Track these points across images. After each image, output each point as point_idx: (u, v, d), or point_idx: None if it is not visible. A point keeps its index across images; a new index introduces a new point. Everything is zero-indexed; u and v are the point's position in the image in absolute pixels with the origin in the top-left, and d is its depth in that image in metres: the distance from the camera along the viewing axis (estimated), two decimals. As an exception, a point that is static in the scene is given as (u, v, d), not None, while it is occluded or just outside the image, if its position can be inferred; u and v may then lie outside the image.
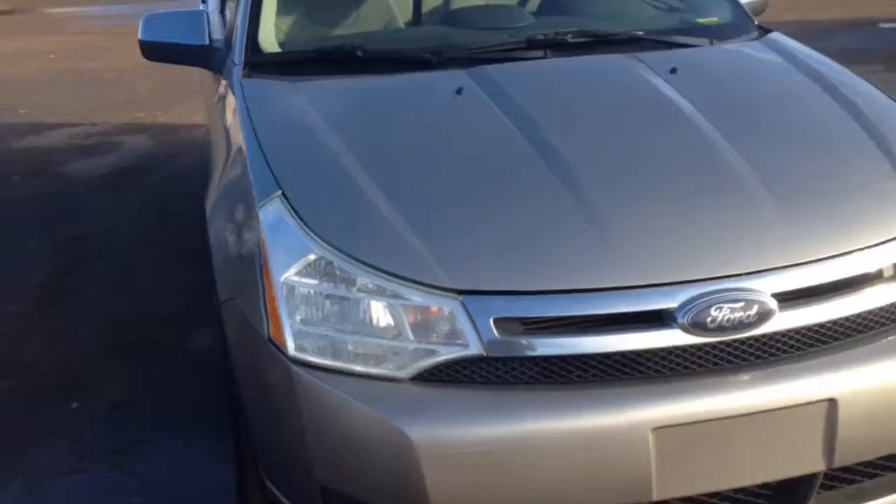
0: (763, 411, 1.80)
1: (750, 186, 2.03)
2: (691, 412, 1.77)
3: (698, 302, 1.79)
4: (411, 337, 1.80)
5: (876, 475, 1.97)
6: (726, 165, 2.10)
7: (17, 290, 3.87)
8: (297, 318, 1.85)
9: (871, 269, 1.93)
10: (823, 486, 1.93)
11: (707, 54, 2.75)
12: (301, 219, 1.94)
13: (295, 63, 2.71)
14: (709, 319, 1.78)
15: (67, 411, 2.97)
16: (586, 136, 2.22)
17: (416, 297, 1.81)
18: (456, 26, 2.96)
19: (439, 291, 1.80)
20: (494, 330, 1.78)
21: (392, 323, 1.81)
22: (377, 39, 2.92)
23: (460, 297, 1.79)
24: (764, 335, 1.84)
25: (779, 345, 1.85)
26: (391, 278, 1.82)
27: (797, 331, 1.86)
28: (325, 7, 3.15)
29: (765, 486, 1.89)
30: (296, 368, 1.83)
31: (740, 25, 2.97)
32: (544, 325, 1.80)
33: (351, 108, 2.46)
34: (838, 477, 1.94)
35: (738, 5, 3.05)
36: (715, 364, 1.82)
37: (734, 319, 1.79)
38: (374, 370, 1.81)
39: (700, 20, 3.00)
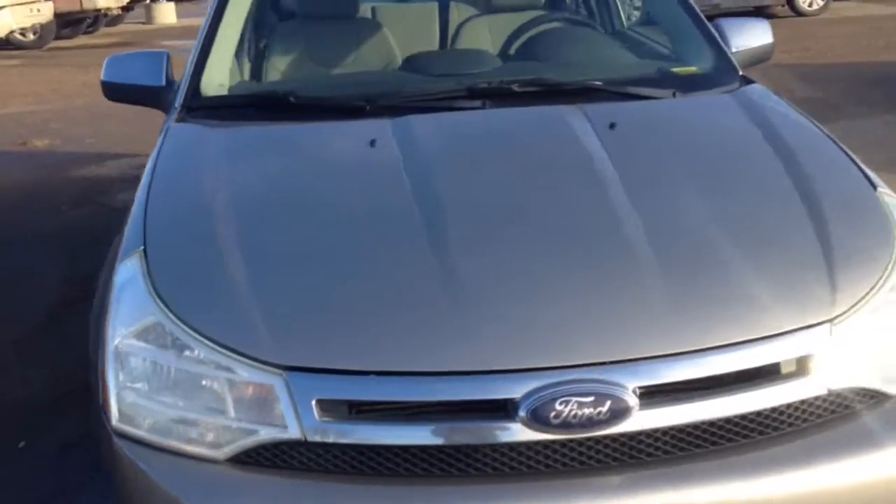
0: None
1: (636, 265, 1.82)
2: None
3: (543, 393, 1.59)
4: (233, 414, 1.67)
5: None
6: (618, 242, 1.88)
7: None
8: (126, 385, 1.74)
9: (761, 364, 1.69)
10: None
11: (661, 108, 2.53)
12: (151, 279, 1.84)
13: (231, 108, 2.64)
14: (552, 414, 1.58)
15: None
16: (478, 202, 2.04)
17: (243, 371, 1.67)
18: (413, 71, 2.83)
19: (263, 366, 1.66)
20: (316, 412, 1.62)
21: (215, 398, 1.68)
22: (317, 85, 2.83)
23: (284, 374, 1.64)
24: (623, 434, 1.62)
25: (641, 447, 1.63)
26: (220, 349, 1.69)
27: (664, 432, 1.64)
28: (287, 51, 3.07)
29: None
30: (116, 440, 1.72)
31: (719, 76, 2.74)
32: (373, 409, 1.63)
33: (256, 158, 2.35)
34: None
35: (723, 55, 2.81)
36: (563, 465, 1.62)
37: (582, 416, 1.58)
38: (191, 448, 1.68)
39: (676, 70, 2.78)
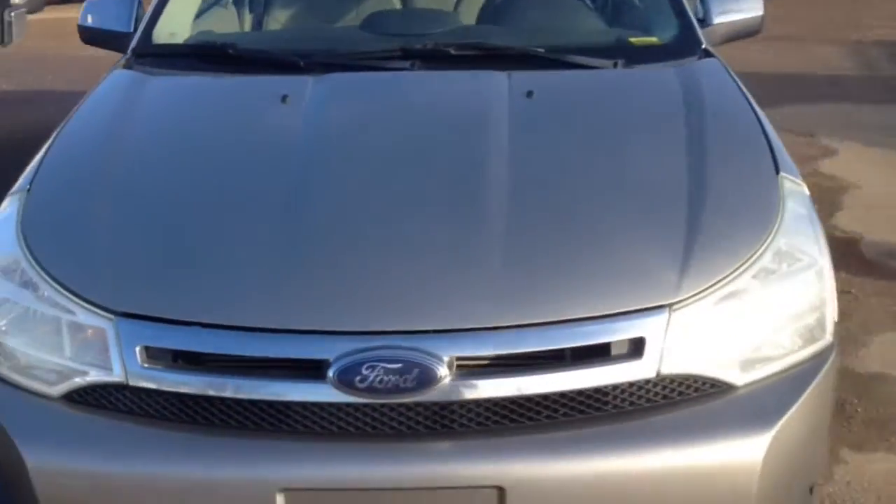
0: (416, 489, 1.59)
1: (484, 235, 1.80)
2: (329, 478, 1.59)
3: (353, 357, 1.60)
4: (68, 354, 1.73)
5: None
6: (474, 212, 1.86)
7: None
8: None
9: (587, 343, 1.65)
10: None
11: (591, 78, 2.46)
12: (21, 218, 1.91)
13: (176, 57, 2.68)
14: (358, 378, 1.59)
15: None
16: (351, 166, 2.03)
17: (80, 313, 1.72)
18: (368, 29, 2.81)
19: (97, 310, 1.71)
20: (140, 358, 1.67)
21: (56, 337, 1.74)
22: (259, 39, 2.85)
23: (114, 319, 1.69)
24: (435, 403, 1.61)
25: (454, 417, 1.62)
26: (63, 291, 1.75)
27: (479, 404, 1.63)
28: (249, 6, 3.09)
29: None
30: None
31: (677, 48, 2.64)
32: (195, 360, 1.67)
33: (172, 107, 2.41)
34: None
35: (687, 27, 2.71)
36: (373, 429, 1.62)
37: (388, 382, 1.58)
38: (30, 383, 1.75)
39: (634, 40, 2.70)
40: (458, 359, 1.62)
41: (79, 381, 1.71)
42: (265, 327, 1.65)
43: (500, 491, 1.58)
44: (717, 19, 2.86)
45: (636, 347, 1.66)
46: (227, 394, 1.64)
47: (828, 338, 1.83)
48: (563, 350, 1.66)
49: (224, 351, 1.65)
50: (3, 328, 1.79)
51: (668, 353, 1.67)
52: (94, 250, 1.81)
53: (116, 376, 1.67)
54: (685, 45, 2.66)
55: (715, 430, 1.66)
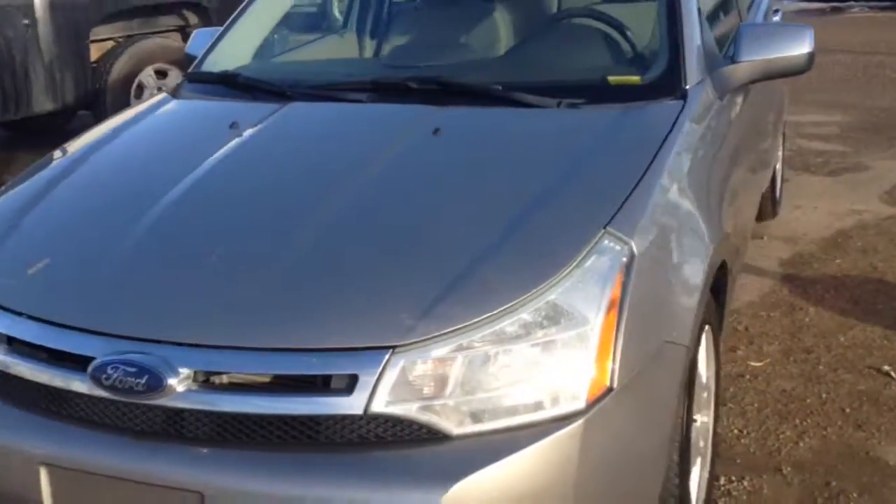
0: (135, 482, 1.79)
1: (272, 262, 1.94)
2: (76, 459, 1.83)
3: (106, 357, 1.83)
4: None
5: None
6: (283, 239, 2.01)
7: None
8: None
9: (302, 373, 1.75)
10: None
11: (517, 117, 2.47)
12: None
13: (206, 82, 3.03)
14: (104, 376, 1.81)
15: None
16: (226, 190, 2.27)
17: None
18: (374, 61, 3.02)
19: None
20: None
21: None
22: (270, 70, 3.10)
23: None
24: (168, 409, 1.80)
25: (184, 423, 1.80)
26: None
27: (204, 414, 1.79)
28: (294, 39, 3.39)
29: None
30: None
31: (655, 88, 2.56)
32: (9, 342, 1.97)
33: (154, 127, 2.76)
34: None
35: (673, 67, 2.59)
36: (115, 421, 1.84)
37: (125, 383, 1.80)
38: None
39: (612, 79, 2.63)
40: (196, 371, 1.79)
41: None
42: (53, 321, 1.92)
43: (201, 496, 1.73)
44: (747, 57, 2.71)
45: (350, 384, 1.73)
46: (22, 374, 1.93)
47: (578, 405, 1.75)
48: (284, 376, 1.77)
49: (29, 339, 1.95)
50: None
51: (382, 392, 1.72)
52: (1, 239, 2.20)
53: None
54: (664, 85, 2.56)
55: (399, 476, 1.68)
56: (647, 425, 1.90)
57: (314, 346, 1.76)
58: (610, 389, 1.79)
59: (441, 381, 1.73)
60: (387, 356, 1.72)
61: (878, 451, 2.75)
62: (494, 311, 1.77)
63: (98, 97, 6.09)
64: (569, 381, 1.76)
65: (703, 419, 2.39)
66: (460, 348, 1.74)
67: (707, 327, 2.32)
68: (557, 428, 1.73)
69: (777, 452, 2.76)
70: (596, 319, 1.79)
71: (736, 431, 2.88)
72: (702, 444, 2.37)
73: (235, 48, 3.21)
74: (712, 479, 2.51)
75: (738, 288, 3.78)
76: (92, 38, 6.11)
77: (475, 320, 1.75)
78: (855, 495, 2.55)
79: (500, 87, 2.54)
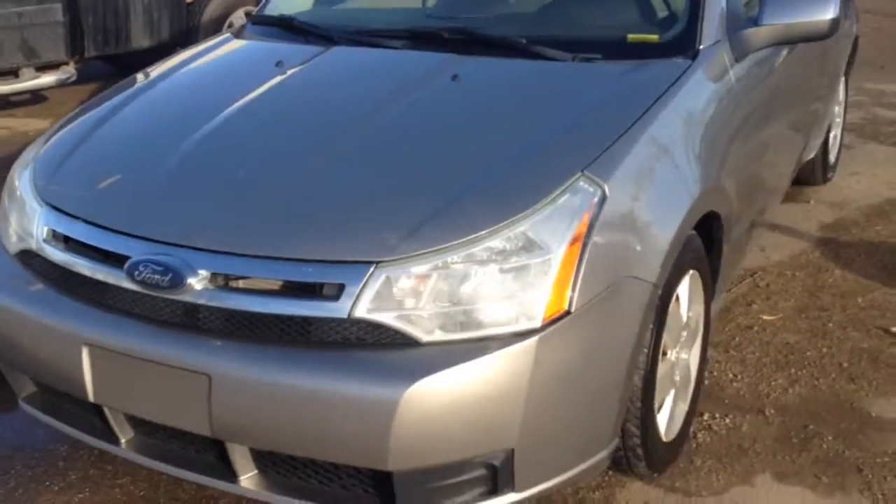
0: (156, 363, 2.10)
1: (289, 184, 2.24)
2: (112, 342, 2.16)
3: (140, 256, 2.15)
4: (19, 230, 2.45)
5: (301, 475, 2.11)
6: (304, 166, 2.30)
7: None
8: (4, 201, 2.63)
9: (301, 279, 2.04)
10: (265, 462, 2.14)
11: (531, 68, 2.67)
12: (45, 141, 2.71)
13: (264, 24, 3.32)
14: (136, 272, 2.13)
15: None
16: (267, 120, 2.56)
17: (34, 202, 2.45)
18: (429, 12, 3.26)
19: (39, 200, 2.43)
20: (44, 234, 2.35)
21: (25, 218, 2.45)
22: (329, 15, 3.36)
23: (42, 206, 2.41)
24: (187, 303, 2.11)
25: (199, 315, 2.11)
26: (34, 187, 2.50)
27: (217, 310, 2.09)
28: None
29: (203, 439, 2.16)
30: None
31: (669, 47, 2.74)
32: (66, 240, 2.32)
33: (212, 63, 3.06)
34: (272, 461, 2.13)
35: (690, 27, 2.77)
36: (145, 311, 2.16)
37: (151, 279, 2.11)
38: (7, 245, 2.53)
39: (632, 37, 2.80)
40: (213, 272, 2.09)
41: (20, 246, 2.45)
42: (99, 224, 2.25)
43: (209, 378, 2.04)
44: (769, 20, 2.84)
45: (338, 291, 2.00)
46: (76, 269, 2.27)
47: (534, 324, 1.99)
48: (283, 281, 2.05)
49: (74, 236, 2.28)
50: (7, 213, 2.56)
51: (364, 301, 1.98)
52: (59, 159, 2.54)
53: (33, 246, 2.39)
54: (679, 43, 2.73)
55: (372, 373, 1.95)
56: (603, 350, 2.12)
57: (310, 258, 2.04)
58: (567, 313, 2.02)
59: (417, 295, 1.99)
60: (371, 269, 1.99)
61: (863, 403, 2.90)
62: (470, 237, 2.01)
63: (192, 35, 6.47)
64: (528, 302, 1.99)
65: (681, 356, 2.59)
66: (436, 267, 1.99)
67: (692, 272, 2.51)
68: (514, 342, 1.97)
69: (765, 396, 2.94)
70: (558, 250, 2.02)
71: (731, 376, 3.06)
72: (677, 378, 2.56)
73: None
74: (692, 413, 2.71)
75: (770, 247, 3.94)
76: (189, -21, 6.49)
77: (452, 243, 2.00)
78: (829, 438, 2.72)
79: (521, 40, 2.74)
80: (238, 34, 3.30)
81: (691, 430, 2.74)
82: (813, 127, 4.11)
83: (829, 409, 2.87)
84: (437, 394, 1.93)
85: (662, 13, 2.99)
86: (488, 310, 1.99)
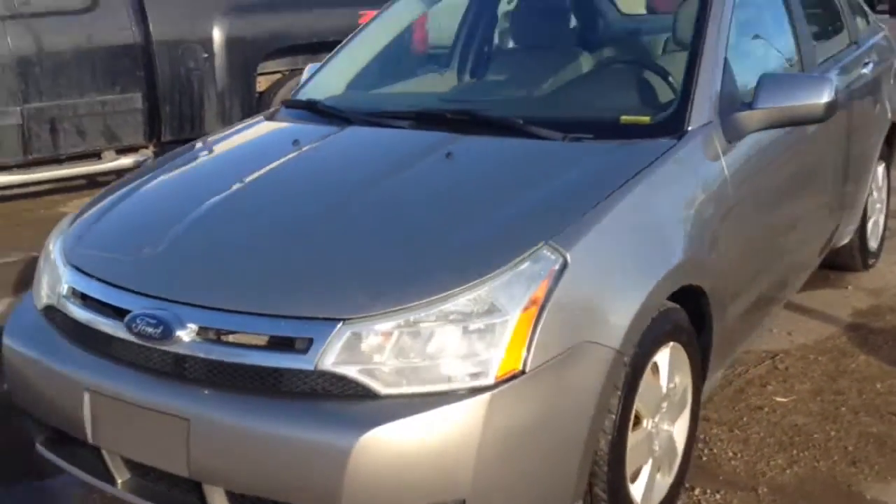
0: (144, 407, 2.28)
1: (271, 250, 2.44)
2: (109, 388, 2.36)
3: (139, 311, 2.35)
4: (46, 288, 2.70)
5: None
6: (286, 233, 2.50)
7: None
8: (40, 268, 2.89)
9: (269, 333, 2.20)
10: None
11: (524, 147, 2.83)
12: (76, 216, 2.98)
13: (295, 108, 3.58)
14: (133, 325, 2.34)
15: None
16: (274, 194, 2.77)
17: (61, 264, 2.70)
18: (441, 96, 3.48)
19: (65, 261, 2.68)
20: (65, 290, 2.59)
21: (49, 279, 2.72)
22: (349, 98, 3.58)
23: (67, 268, 2.64)
24: (170, 352, 2.29)
25: (185, 365, 2.28)
26: (57, 251, 2.76)
27: (200, 359, 2.26)
28: (387, 73, 3.89)
29: (186, 481, 2.32)
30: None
31: (660, 128, 2.86)
32: (87, 297, 2.54)
33: (241, 142, 3.32)
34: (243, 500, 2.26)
35: (680, 109, 2.89)
36: (140, 360, 2.35)
37: (145, 331, 2.31)
38: (38, 302, 2.77)
39: (624, 118, 2.94)
40: (200, 326, 2.28)
41: (44, 302, 2.69)
42: (111, 282, 2.47)
43: (187, 421, 2.20)
44: (763, 104, 2.95)
45: (307, 345, 2.15)
46: (88, 322, 2.49)
47: (488, 381, 2.09)
48: (260, 335, 2.22)
49: (97, 296, 2.50)
50: (41, 274, 2.82)
51: (330, 354, 2.13)
52: (86, 231, 2.78)
53: (52, 302, 2.63)
54: (667, 125, 2.85)
55: (333, 421, 2.08)
56: (560, 410, 2.20)
57: (284, 314, 2.21)
58: (522, 372, 2.12)
59: (380, 350, 2.13)
60: (338, 326, 2.14)
61: (861, 486, 2.87)
62: (432, 298, 2.14)
63: (262, 122, 6.86)
64: (483, 361, 2.11)
65: (662, 426, 2.63)
66: (399, 325, 2.13)
67: (672, 343, 2.58)
68: (467, 397, 2.08)
69: (762, 475, 2.93)
70: (514, 313, 2.13)
71: (731, 454, 3.06)
72: (656, 448, 2.60)
73: (328, 81, 3.74)
74: (678, 485, 2.74)
75: (797, 331, 3.94)
76: (260, 70, 6.90)
77: (415, 303, 2.14)
78: (818, 519, 2.70)
79: (516, 120, 2.91)
80: (271, 117, 3.56)
81: (679, 503, 2.76)
82: (840, 212, 4.13)
83: (825, 491, 2.85)
84: (389, 443, 2.04)
85: (661, 96, 3.12)
86: (445, 366, 2.11)
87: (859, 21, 4.66)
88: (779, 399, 3.45)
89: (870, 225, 4.70)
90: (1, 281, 4.93)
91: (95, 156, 6.45)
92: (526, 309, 2.15)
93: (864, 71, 4.34)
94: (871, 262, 4.80)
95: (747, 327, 3.22)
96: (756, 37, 3.63)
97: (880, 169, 4.78)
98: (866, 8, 4.99)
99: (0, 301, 4.64)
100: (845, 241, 4.42)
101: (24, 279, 4.89)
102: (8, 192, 6.59)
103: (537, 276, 2.20)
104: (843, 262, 4.63)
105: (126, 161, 6.46)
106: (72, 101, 6.14)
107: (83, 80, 6.15)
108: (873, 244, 4.81)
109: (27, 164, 6.20)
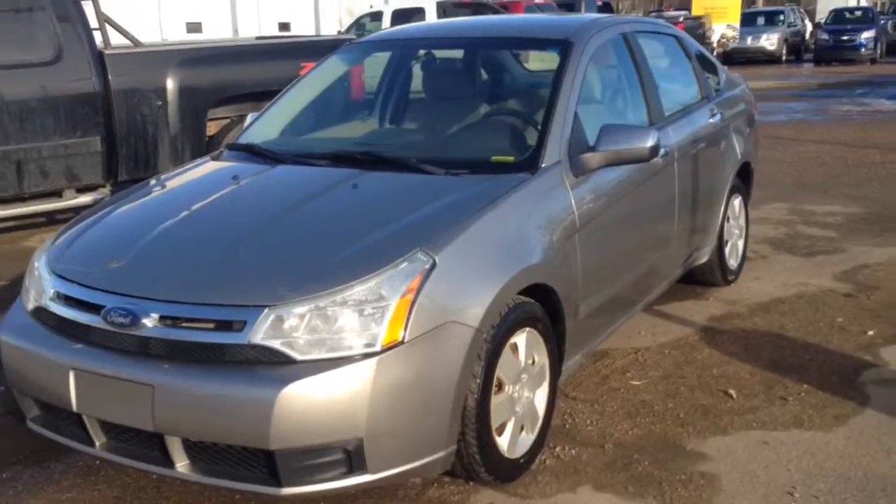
0: (118, 378, 3.00)
1: (215, 254, 3.18)
2: (89, 366, 3.06)
3: (111, 306, 3.07)
4: (32, 293, 3.42)
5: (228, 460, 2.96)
6: (227, 242, 3.24)
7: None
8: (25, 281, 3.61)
9: (213, 318, 2.93)
10: (192, 451, 2.99)
11: (416, 179, 3.61)
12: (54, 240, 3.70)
13: (236, 150, 4.33)
14: (108, 316, 3.05)
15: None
16: (216, 213, 3.53)
17: (45, 273, 3.41)
18: (349, 140, 4.30)
19: (50, 271, 3.39)
20: (51, 294, 3.30)
21: (35, 284, 3.44)
22: (283, 142, 4.36)
23: (51, 276, 3.36)
24: (138, 336, 3.01)
25: (149, 344, 3.00)
26: (44, 258, 3.48)
27: (161, 340, 2.98)
28: (316, 118, 4.68)
29: (150, 436, 3.03)
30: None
31: (520, 165, 3.67)
32: (68, 298, 3.25)
33: (189, 177, 4.07)
34: (195, 446, 2.97)
35: (535, 152, 3.70)
36: (113, 344, 3.06)
37: (118, 321, 3.03)
38: (26, 305, 3.47)
39: (494, 158, 3.76)
40: (159, 315, 3.00)
41: (32, 305, 3.39)
42: (89, 285, 3.19)
43: (152, 387, 2.93)
44: (602, 147, 3.78)
45: (242, 326, 2.90)
46: (69, 317, 3.20)
47: (375, 349, 2.85)
48: (206, 319, 2.95)
49: (73, 294, 3.22)
50: (28, 284, 3.52)
51: (259, 332, 2.87)
52: (66, 248, 3.51)
53: (42, 303, 3.33)
54: (526, 163, 3.67)
55: (261, 381, 2.81)
56: (431, 371, 2.96)
57: (225, 303, 2.95)
58: (401, 342, 2.89)
59: (296, 328, 2.87)
60: (265, 311, 2.88)
61: (683, 441, 3.67)
62: (335, 289, 2.90)
63: (210, 163, 7.59)
64: (373, 334, 2.87)
65: (524, 393, 3.40)
66: (311, 309, 2.88)
67: (529, 329, 3.36)
68: (360, 361, 2.84)
69: (609, 436, 3.72)
70: (394, 300, 2.90)
71: (588, 421, 3.85)
72: (518, 410, 3.37)
73: (265, 127, 4.52)
74: (540, 443, 3.50)
75: (660, 333, 4.77)
76: (210, 116, 7.66)
77: (322, 293, 2.90)
78: (646, 463, 3.49)
79: (410, 159, 3.71)
80: (216, 157, 4.32)
81: (541, 456, 3.53)
82: (695, 235, 4.98)
83: (655, 445, 3.64)
84: (303, 394, 2.79)
85: (529, 140, 3.94)
86: (345, 339, 2.87)
87: (711, 79, 5.57)
88: (634, 382, 4.25)
89: (728, 248, 5.56)
90: (-24, 304, 5.56)
91: (56, 194, 7.13)
92: (403, 296, 2.92)
93: (712, 120, 5.23)
94: (730, 278, 5.66)
95: (602, 322, 4.03)
96: (612, 94, 4.51)
97: (736, 202, 5.66)
98: (720, 67, 5.90)
99: (-24, 321, 5.27)
100: (704, 259, 5.28)
101: (-3, 302, 5.55)
102: (-24, 228, 7.25)
103: (413, 272, 2.97)
104: (706, 278, 5.49)
105: (85, 199, 7.15)
106: (36, 145, 6.84)
107: (47, 126, 6.86)
108: (732, 263, 5.68)
109: (-7, 202, 6.88)
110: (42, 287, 3.37)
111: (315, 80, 4.88)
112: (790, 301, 5.37)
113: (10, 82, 6.71)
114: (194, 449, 2.98)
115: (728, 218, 5.48)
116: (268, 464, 2.88)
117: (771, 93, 17.78)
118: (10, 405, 3.52)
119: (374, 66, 5.29)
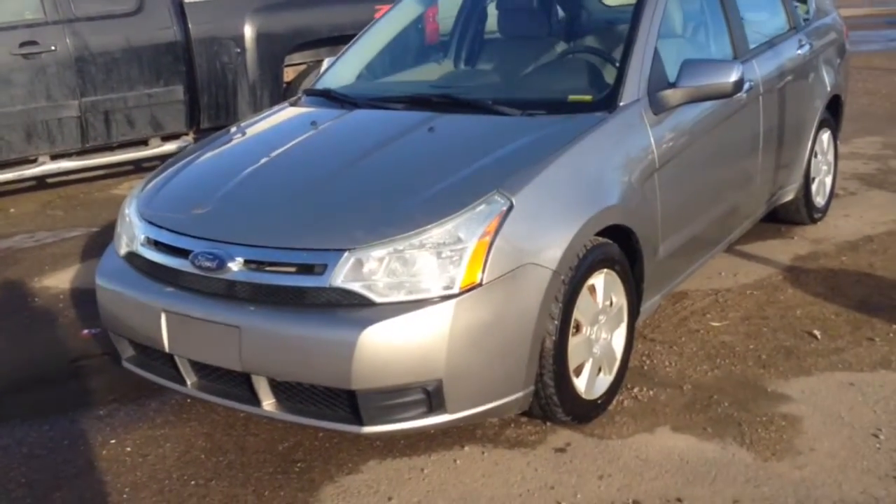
0: (209, 321, 3.10)
1: (299, 199, 3.25)
2: (180, 308, 3.18)
3: (198, 250, 3.17)
4: (124, 237, 3.54)
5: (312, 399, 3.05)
6: (311, 187, 3.30)
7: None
8: (117, 225, 3.74)
9: (301, 262, 3.00)
10: (277, 390, 3.09)
11: (493, 121, 3.60)
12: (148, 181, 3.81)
13: (314, 95, 4.38)
14: (195, 261, 3.15)
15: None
16: (301, 157, 3.60)
17: (135, 217, 3.54)
18: (425, 84, 4.29)
19: (140, 216, 3.51)
20: (142, 240, 3.42)
21: (126, 228, 3.57)
22: (359, 86, 4.38)
23: (142, 222, 3.48)
24: (224, 279, 3.10)
25: (235, 288, 3.10)
26: (133, 206, 3.60)
27: (247, 283, 3.07)
28: (393, 63, 4.68)
29: (238, 375, 3.13)
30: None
31: (598, 104, 3.63)
32: (159, 244, 3.37)
33: (271, 123, 4.14)
34: (281, 385, 3.07)
35: (615, 89, 3.65)
36: (202, 287, 3.16)
37: (205, 265, 3.12)
38: (118, 250, 3.60)
39: (571, 97, 3.72)
40: (245, 259, 3.08)
41: (123, 250, 3.52)
42: (178, 230, 3.29)
43: (238, 329, 3.02)
44: (683, 83, 3.71)
45: (323, 269, 2.96)
46: (160, 262, 3.31)
47: (454, 291, 2.88)
48: (289, 263, 3.02)
49: (163, 240, 3.33)
50: (120, 231, 3.65)
51: (339, 275, 2.93)
52: (154, 194, 3.61)
53: (133, 248, 3.45)
54: (604, 101, 3.62)
55: (343, 323, 2.87)
56: (510, 313, 2.98)
57: (306, 247, 3.01)
58: (480, 285, 2.91)
59: (375, 271, 2.92)
60: (345, 254, 2.94)
61: (764, 382, 3.63)
62: (413, 231, 2.94)
63: (289, 109, 7.68)
64: (451, 277, 2.90)
65: (601, 335, 3.41)
66: (389, 252, 2.92)
67: (606, 270, 3.35)
68: (439, 303, 2.87)
69: (688, 378, 3.70)
70: (471, 242, 2.92)
71: (666, 363, 3.84)
72: (596, 351, 3.38)
73: (341, 72, 4.55)
74: (618, 384, 3.51)
75: (742, 273, 4.70)
76: (287, 62, 7.73)
77: (400, 236, 2.93)
78: (726, 404, 3.47)
79: (485, 101, 3.70)
80: (294, 103, 4.37)
81: (619, 397, 3.54)
82: (780, 172, 4.86)
83: (735, 386, 3.61)
84: (382, 336, 2.84)
85: (607, 78, 3.88)
86: (423, 281, 2.90)
87: (799, 8, 5.37)
88: (714, 324, 4.20)
89: (815, 184, 5.41)
90: (68, 252, 5.79)
91: (143, 143, 7.32)
92: (481, 239, 2.94)
93: (800, 52, 5.05)
94: (817, 216, 5.52)
95: (682, 263, 3.99)
96: (693, 27, 4.40)
97: (825, 136, 5.49)
98: (809, -4, 5.69)
99: (70, 267, 5.50)
100: (790, 197, 5.15)
101: (87, 250, 5.77)
102: (67, 178, 7.50)
103: (490, 214, 2.98)
104: (791, 216, 5.36)
105: (170, 147, 7.33)
106: (122, 95, 7.01)
107: (132, 76, 7.02)
108: (819, 201, 5.53)
109: (84, 151, 7.10)
110: (133, 233, 3.49)
111: (389, 23, 4.88)
112: (880, 239, 5.22)
113: (96, 33, 6.88)
114: (280, 388, 3.08)
115: (816, 154, 5.33)
116: (350, 403, 2.96)
117: (864, 21, 17.04)
118: (106, 346, 3.67)
119: (449, 7, 5.27)
